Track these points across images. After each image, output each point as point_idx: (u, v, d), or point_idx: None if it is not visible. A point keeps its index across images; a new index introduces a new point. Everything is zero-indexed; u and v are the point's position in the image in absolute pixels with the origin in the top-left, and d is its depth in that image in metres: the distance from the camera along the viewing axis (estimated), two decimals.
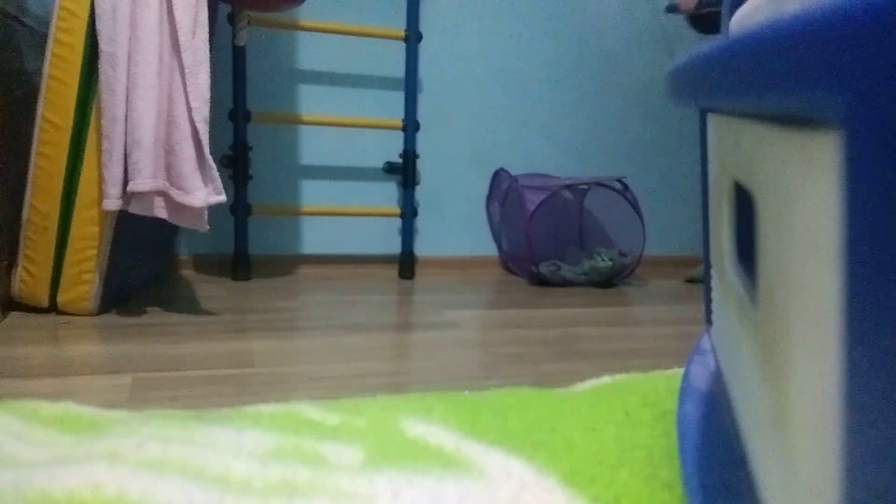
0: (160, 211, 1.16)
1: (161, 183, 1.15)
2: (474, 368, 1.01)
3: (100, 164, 1.17)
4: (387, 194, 2.01)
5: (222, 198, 1.17)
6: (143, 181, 1.13)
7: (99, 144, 1.17)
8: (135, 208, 1.15)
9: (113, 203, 1.13)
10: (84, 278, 1.21)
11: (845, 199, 0.13)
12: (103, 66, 1.14)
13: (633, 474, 0.32)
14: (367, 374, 0.97)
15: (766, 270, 0.23)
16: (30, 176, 1.18)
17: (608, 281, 1.78)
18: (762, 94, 0.16)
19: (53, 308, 1.20)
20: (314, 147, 1.95)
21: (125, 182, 1.14)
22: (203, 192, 1.15)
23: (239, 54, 1.71)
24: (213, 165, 1.16)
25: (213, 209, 1.73)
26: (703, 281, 0.39)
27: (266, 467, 0.34)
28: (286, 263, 1.91)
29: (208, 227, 1.23)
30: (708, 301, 0.39)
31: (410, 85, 1.91)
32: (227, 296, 1.53)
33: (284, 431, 0.38)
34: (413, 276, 1.94)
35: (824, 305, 0.15)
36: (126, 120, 1.14)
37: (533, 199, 1.83)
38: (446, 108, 2.06)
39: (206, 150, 1.17)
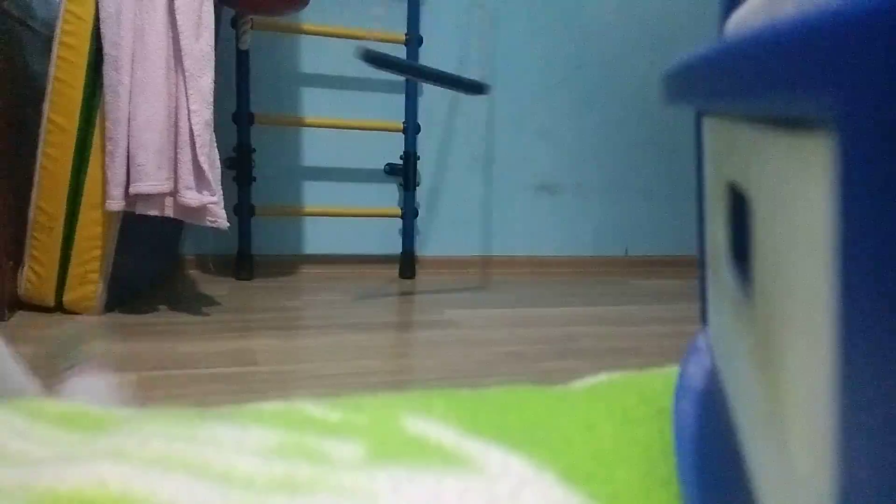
0: (169, 210, 1.17)
1: (167, 185, 1.16)
2: (474, 367, 1.01)
3: (103, 166, 1.17)
4: (388, 195, 2.01)
5: (215, 198, 1.17)
6: (147, 184, 1.14)
7: (103, 146, 1.18)
8: (141, 209, 1.16)
9: (116, 204, 1.14)
10: (89, 278, 1.21)
11: (838, 201, 0.13)
12: (107, 69, 1.15)
13: (630, 471, 0.32)
14: (369, 372, 0.97)
15: (760, 271, 0.23)
16: (36, 177, 1.18)
17: None
18: (756, 96, 0.17)
19: (59, 307, 1.21)
20: (316, 149, 1.96)
21: (128, 183, 1.14)
22: (196, 192, 1.16)
23: (242, 57, 1.72)
24: (206, 167, 1.16)
25: None
26: (699, 281, 0.39)
27: (269, 464, 0.34)
28: (289, 263, 1.92)
29: (228, 224, 1.23)
30: (703, 300, 0.39)
31: (411, 88, 1.91)
32: (230, 295, 1.53)
33: (287, 429, 0.38)
34: (413, 275, 1.94)
35: (818, 305, 0.15)
36: (129, 122, 1.15)
37: None
38: (446, 111, 2.06)
39: (202, 152, 1.17)
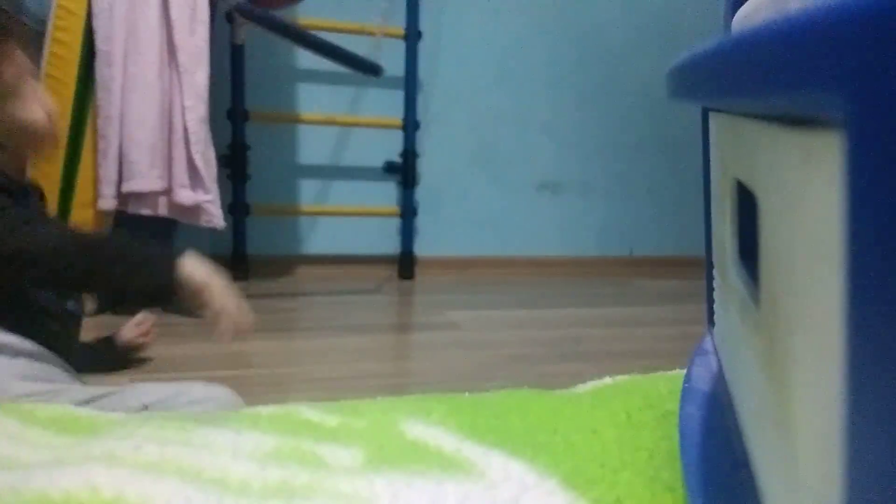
0: (162, 209, 1.16)
1: (159, 183, 1.15)
2: (474, 369, 1.01)
3: (95, 164, 1.17)
4: (386, 194, 2.01)
5: (210, 197, 1.17)
6: (140, 182, 1.13)
7: (95, 144, 1.17)
8: (134, 208, 1.15)
9: (108, 202, 1.14)
10: None
11: (847, 200, 0.13)
12: (99, 65, 1.14)
13: (634, 476, 0.32)
14: (367, 375, 0.97)
15: (768, 271, 0.23)
16: None
17: None
18: (763, 93, 0.16)
19: None
20: (313, 146, 1.95)
21: (121, 181, 1.14)
22: (191, 190, 1.16)
23: (237, 53, 1.71)
24: (201, 165, 1.16)
25: None
26: (705, 281, 0.39)
27: (265, 469, 0.34)
28: (285, 263, 1.92)
29: (223, 223, 1.22)
30: (710, 301, 0.39)
31: (410, 84, 1.91)
32: None
33: (283, 433, 0.37)
34: (413, 276, 1.94)
35: (827, 306, 0.15)
36: (121, 119, 1.14)
37: None
38: (446, 107, 2.05)
39: (197, 149, 1.16)
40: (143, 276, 0.78)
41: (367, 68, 1.53)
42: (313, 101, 1.92)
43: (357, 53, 1.53)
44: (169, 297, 0.80)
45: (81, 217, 1.21)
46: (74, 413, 0.43)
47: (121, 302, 0.84)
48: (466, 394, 0.43)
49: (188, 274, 0.81)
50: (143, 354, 0.97)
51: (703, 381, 0.37)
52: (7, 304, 0.71)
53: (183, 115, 1.17)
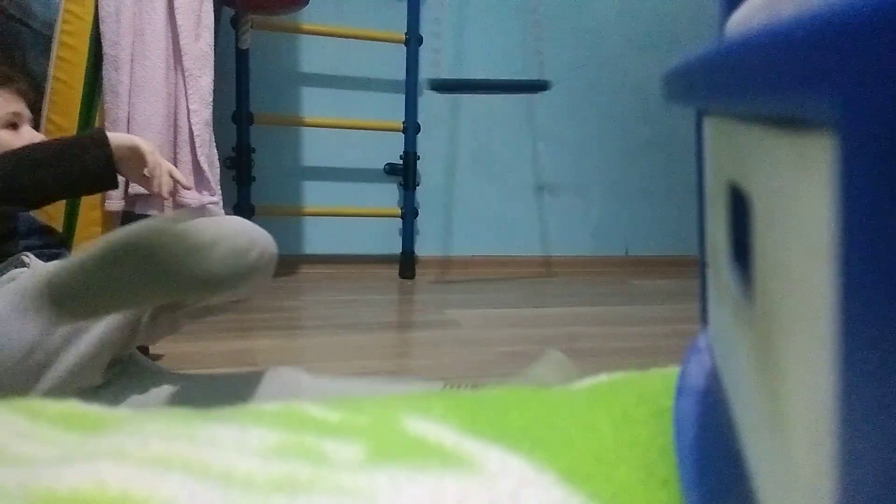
0: (168, 210, 1.17)
1: None
2: (474, 366, 1.01)
3: None
4: (388, 195, 2.02)
5: (215, 198, 1.18)
6: None
7: None
8: (140, 209, 1.16)
9: (115, 204, 1.14)
10: None
11: (839, 201, 0.13)
12: (106, 69, 1.15)
13: (630, 471, 0.32)
14: (369, 372, 0.97)
15: (761, 271, 0.23)
16: None
17: None
18: (757, 96, 0.16)
19: None
20: (316, 149, 1.96)
21: (128, 183, 1.14)
22: (196, 192, 1.17)
23: (242, 57, 1.72)
24: (206, 167, 1.17)
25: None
26: (699, 280, 0.39)
27: (269, 464, 0.34)
28: (289, 263, 1.93)
29: None
30: (703, 300, 0.39)
31: (411, 87, 1.92)
32: None
33: (287, 429, 0.38)
34: (413, 275, 1.94)
35: (818, 306, 0.15)
36: (129, 122, 1.15)
37: None
38: (446, 110, 2.06)
39: (202, 152, 1.17)
40: (80, 159, 0.78)
41: (538, 87, 1.62)
42: (316, 104, 1.93)
43: (525, 79, 1.71)
44: (113, 169, 0.81)
45: (89, 218, 1.21)
46: (82, 409, 0.43)
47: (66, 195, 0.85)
48: (466, 390, 0.43)
49: (116, 140, 0.81)
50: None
51: (697, 378, 0.37)
52: None
53: (189, 118, 1.18)
